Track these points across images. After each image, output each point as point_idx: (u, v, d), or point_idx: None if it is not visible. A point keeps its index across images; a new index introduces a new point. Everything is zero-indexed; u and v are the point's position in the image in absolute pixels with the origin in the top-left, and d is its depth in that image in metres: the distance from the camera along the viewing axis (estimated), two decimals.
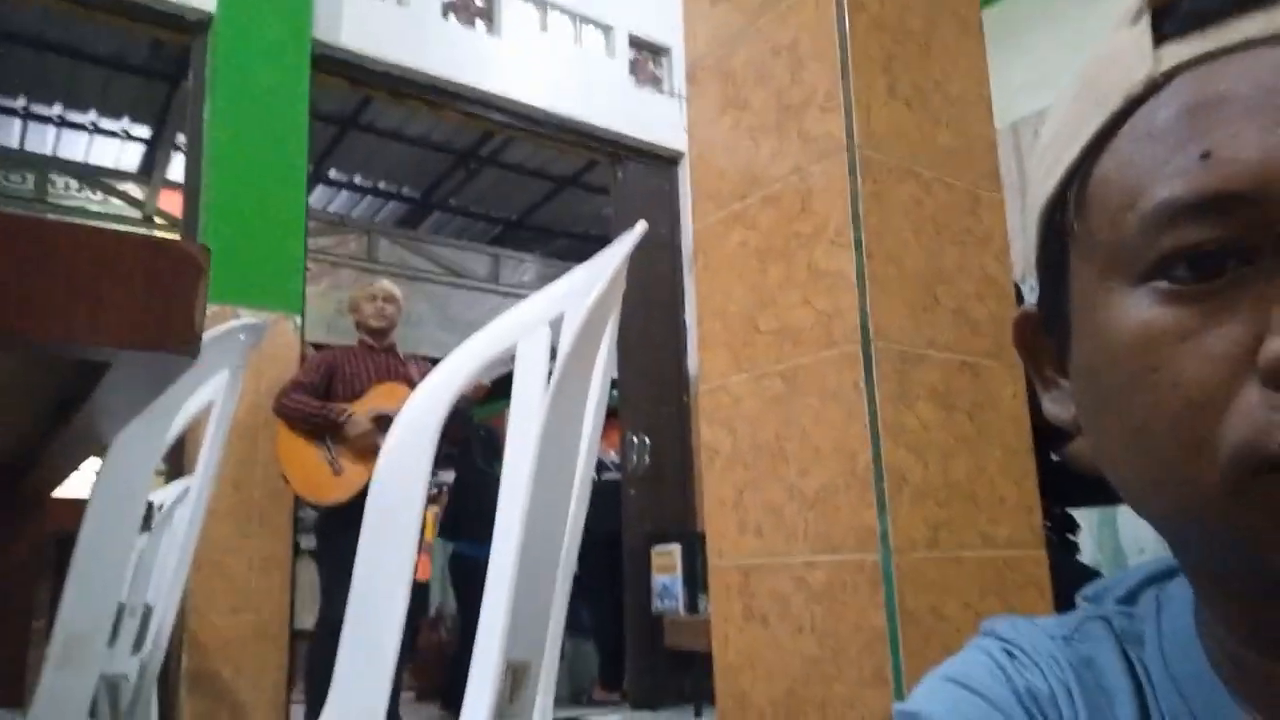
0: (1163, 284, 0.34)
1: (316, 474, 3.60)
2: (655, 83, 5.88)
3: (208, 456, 1.58)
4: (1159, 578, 0.46)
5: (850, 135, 1.30)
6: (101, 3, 4.16)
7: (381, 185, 7.72)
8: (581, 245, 7.75)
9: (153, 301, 0.79)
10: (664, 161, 5.74)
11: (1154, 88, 0.35)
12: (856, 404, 1.25)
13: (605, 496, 5.06)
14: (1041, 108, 4.04)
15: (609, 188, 5.87)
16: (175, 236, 4.91)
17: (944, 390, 1.32)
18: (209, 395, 1.57)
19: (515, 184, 7.55)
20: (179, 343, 0.81)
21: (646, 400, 5.23)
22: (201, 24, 4.37)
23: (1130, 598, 0.46)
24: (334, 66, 4.74)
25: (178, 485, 2.76)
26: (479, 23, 5.46)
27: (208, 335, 1.48)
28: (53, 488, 1.60)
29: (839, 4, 1.32)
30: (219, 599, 3.74)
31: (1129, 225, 0.35)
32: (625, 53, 5.84)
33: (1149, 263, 0.34)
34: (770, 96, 1.44)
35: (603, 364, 1.03)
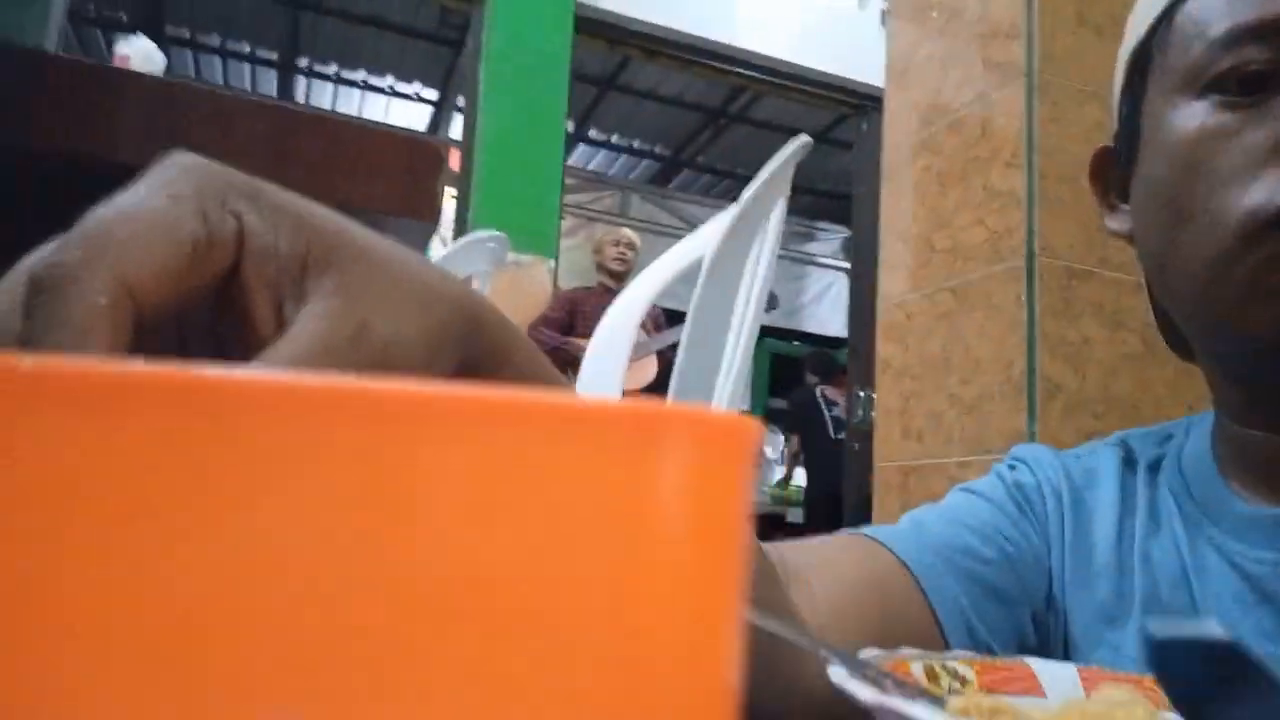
0: (1216, 96, 0.42)
1: None
2: None
3: None
4: (1196, 420, 0.54)
5: (1030, 61, 1.36)
6: None
7: (636, 144, 8.09)
8: (827, 202, 7.74)
9: (409, 181, 1.07)
10: None
11: None
12: (1017, 316, 1.32)
13: (834, 455, 5.14)
14: None
15: (852, 142, 5.84)
16: (452, 190, 5.53)
17: (1113, 308, 1.35)
18: None
19: (763, 140, 7.65)
20: (427, 213, 1.09)
21: (872, 354, 5.22)
22: None
23: (1168, 435, 0.54)
24: (593, 27, 5.09)
25: None
26: None
27: (461, 241, 1.78)
28: None
29: None
30: None
31: (1198, 49, 0.43)
32: (877, 3, 5.76)
33: (1209, 78, 0.42)
34: (962, 28, 1.51)
35: (768, 250, 1.19)
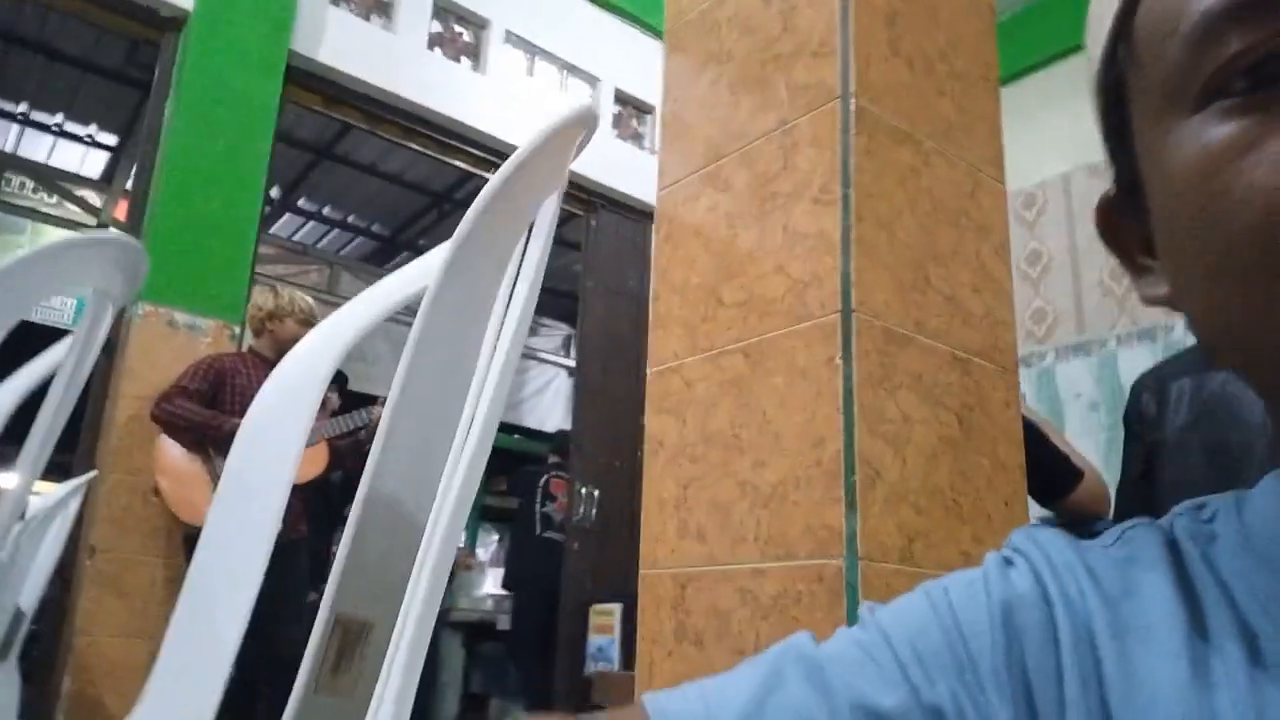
0: (1219, 102, 0.33)
1: (195, 490, 3.23)
2: (636, 139, 5.82)
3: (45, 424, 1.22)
4: (1240, 491, 0.42)
5: (845, 83, 1.14)
6: None
7: (351, 219, 7.56)
8: (550, 299, 7.59)
9: None
10: (638, 215, 5.65)
11: None
12: (829, 382, 1.06)
13: (549, 556, 4.80)
14: (1046, 178, 3.99)
15: (580, 243, 5.74)
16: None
17: (930, 382, 1.14)
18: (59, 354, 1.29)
19: None
20: None
21: (600, 452, 5.01)
22: (176, 21, 4.23)
23: (1201, 506, 0.42)
24: (310, 82, 4.60)
25: (67, 486, 2.46)
26: (464, 60, 5.38)
27: (72, 237, 1.25)
28: None
29: None
30: (111, 619, 3.40)
31: (1174, 52, 0.34)
32: (610, 106, 5.79)
33: (1200, 85, 0.33)
34: (757, 47, 1.28)
35: (531, 266, 0.84)
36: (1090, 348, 3.73)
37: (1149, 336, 3.56)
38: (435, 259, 1.07)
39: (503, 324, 0.90)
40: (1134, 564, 0.39)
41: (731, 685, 0.41)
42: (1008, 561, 0.41)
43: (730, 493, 1.13)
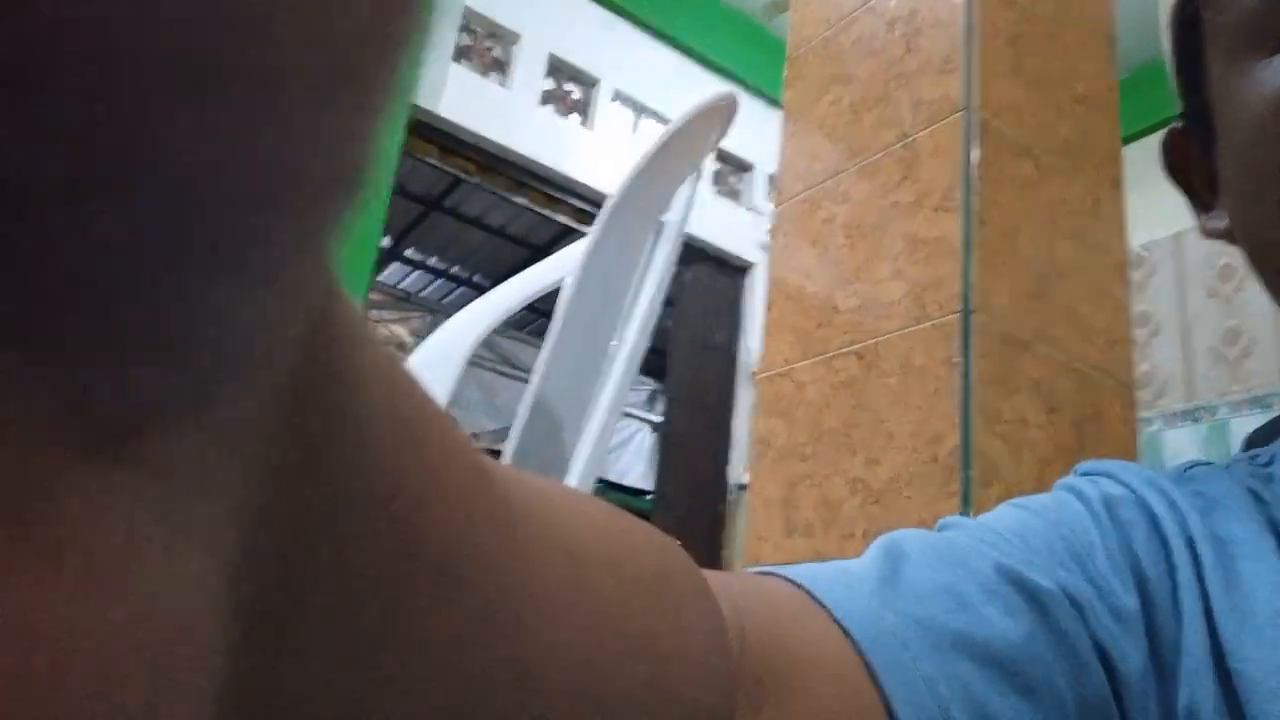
0: None
1: None
2: (734, 195, 5.92)
3: None
4: None
5: (968, 97, 1.18)
6: None
7: (455, 270, 7.82)
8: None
9: None
10: (733, 269, 5.71)
11: None
12: (947, 380, 1.07)
13: None
14: (1155, 238, 3.92)
15: (672, 296, 5.81)
16: None
17: (1048, 390, 1.14)
18: None
19: None
20: None
21: (682, 503, 5.00)
22: None
23: (1255, 457, 0.41)
24: (429, 133, 4.85)
25: None
26: (574, 115, 5.60)
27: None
28: None
29: None
30: None
31: None
32: (710, 163, 5.91)
33: (1277, 30, 0.34)
34: (879, 68, 1.33)
35: (665, 250, 0.88)
36: (1199, 414, 3.60)
37: (1263, 404, 3.42)
38: (573, 251, 1.13)
39: (636, 301, 0.94)
40: (1206, 491, 0.38)
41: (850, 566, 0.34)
42: (1092, 478, 0.39)
43: (840, 490, 1.14)
